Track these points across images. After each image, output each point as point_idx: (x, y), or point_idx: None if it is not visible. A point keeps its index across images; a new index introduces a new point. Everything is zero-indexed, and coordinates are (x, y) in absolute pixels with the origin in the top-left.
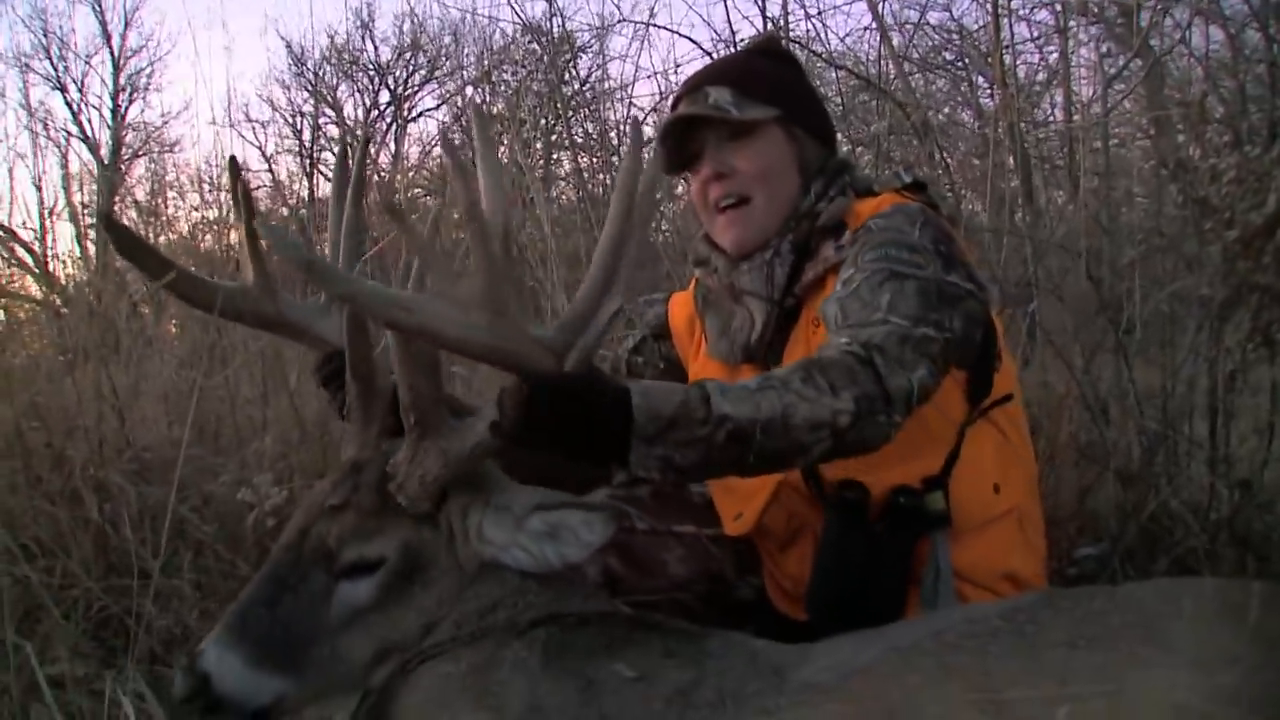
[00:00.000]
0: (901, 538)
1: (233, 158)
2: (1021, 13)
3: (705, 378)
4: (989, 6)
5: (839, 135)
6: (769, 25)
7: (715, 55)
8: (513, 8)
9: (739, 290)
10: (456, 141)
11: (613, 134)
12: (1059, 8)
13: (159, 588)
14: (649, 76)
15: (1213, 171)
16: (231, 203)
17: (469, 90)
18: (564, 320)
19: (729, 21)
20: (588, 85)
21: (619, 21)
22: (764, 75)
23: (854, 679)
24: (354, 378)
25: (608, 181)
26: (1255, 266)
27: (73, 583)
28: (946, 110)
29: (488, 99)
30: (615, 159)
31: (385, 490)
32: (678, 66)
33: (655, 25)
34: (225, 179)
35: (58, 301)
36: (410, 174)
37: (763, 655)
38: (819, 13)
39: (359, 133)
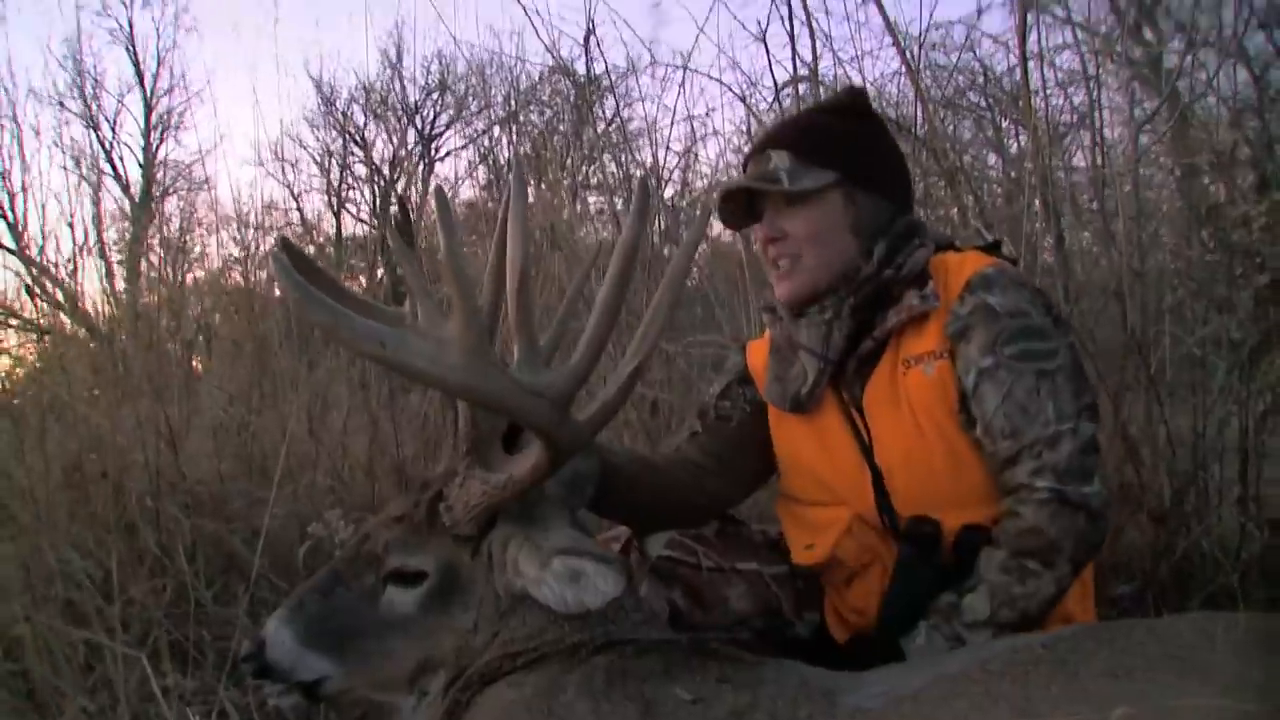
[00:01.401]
0: (969, 572)
1: (402, 200)
2: (1047, 55)
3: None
4: (1016, 51)
5: None
6: (798, 68)
7: (746, 99)
8: (550, 50)
9: (796, 343)
10: (482, 180)
11: (639, 175)
12: (1085, 52)
13: (214, 616)
14: (684, 120)
15: (1244, 217)
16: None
17: (495, 130)
18: (564, 368)
19: (770, 64)
20: (614, 125)
21: (650, 64)
22: (828, 136)
23: (903, 704)
24: (453, 404)
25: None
26: None
27: (139, 609)
28: (971, 153)
29: (514, 139)
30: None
31: (436, 509)
32: (709, 111)
33: (689, 69)
34: (254, 217)
35: (84, 335)
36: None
37: (815, 681)
38: (852, 59)
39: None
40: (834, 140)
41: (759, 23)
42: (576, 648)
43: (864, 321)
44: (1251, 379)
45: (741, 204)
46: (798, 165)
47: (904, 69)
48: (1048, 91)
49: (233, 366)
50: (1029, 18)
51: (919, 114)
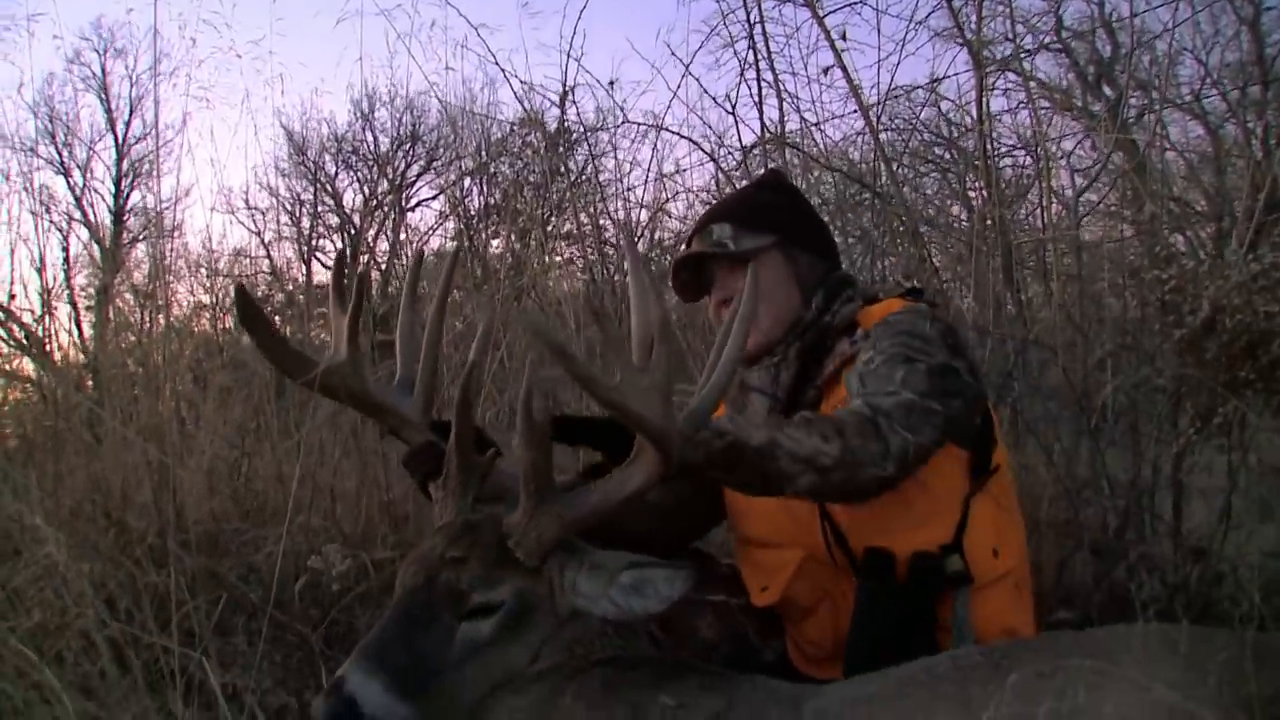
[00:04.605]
0: (926, 595)
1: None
2: (1004, 118)
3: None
4: (974, 113)
5: (835, 231)
6: (765, 130)
7: (714, 156)
8: (521, 103)
9: (747, 386)
10: (452, 231)
11: (608, 227)
12: (1041, 110)
13: (218, 648)
14: (656, 179)
15: (1157, 279)
16: (333, 286)
17: (466, 181)
18: (695, 409)
19: (736, 124)
20: (584, 179)
21: (622, 123)
22: (762, 207)
23: (859, 706)
24: (457, 450)
25: (605, 273)
26: (1198, 362)
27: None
28: (936, 204)
29: (485, 190)
30: (610, 250)
31: (504, 546)
32: (679, 170)
33: (661, 128)
34: (223, 264)
35: (51, 382)
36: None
37: (782, 689)
38: (816, 124)
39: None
40: (767, 208)
41: (729, 94)
42: (588, 662)
43: (807, 366)
44: (1175, 423)
45: (691, 277)
46: (739, 232)
47: (868, 130)
48: (999, 154)
49: (225, 411)
50: (987, 80)
51: (882, 173)
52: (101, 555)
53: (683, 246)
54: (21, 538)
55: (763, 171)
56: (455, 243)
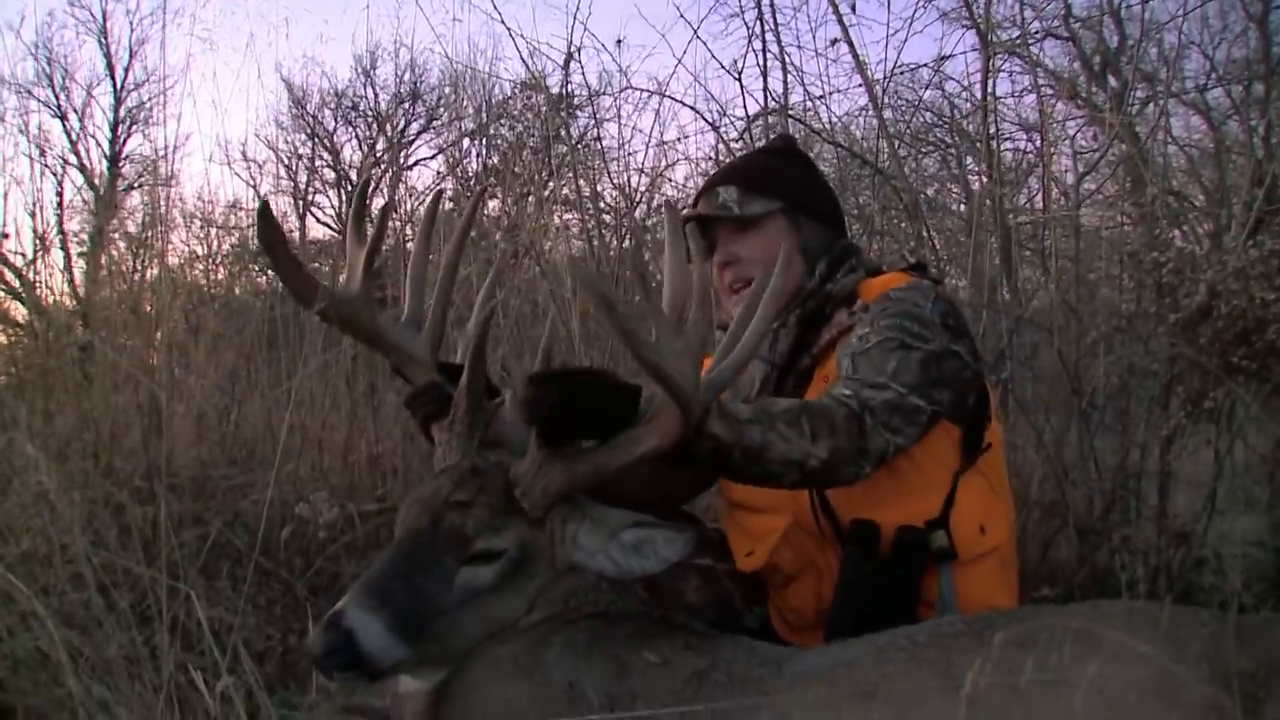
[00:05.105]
0: (909, 569)
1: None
2: (1008, 101)
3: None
4: (978, 94)
5: None
6: (769, 101)
7: (716, 125)
8: (526, 64)
9: None
10: (449, 192)
11: (606, 193)
12: (1045, 96)
13: (203, 589)
14: (657, 145)
15: (1155, 263)
16: (352, 218)
17: (465, 142)
18: (713, 379)
19: (742, 93)
20: (584, 144)
21: (625, 89)
22: (770, 172)
23: (839, 669)
24: (468, 394)
25: (602, 238)
26: (1192, 346)
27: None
28: (935, 187)
29: (484, 152)
30: (608, 217)
31: (509, 493)
32: (681, 137)
33: (664, 95)
34: (218, 215)
35: (43, 326)
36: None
37: (764, 651)
38: (820, 97)
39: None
40: (775, 174)
41: (735, 61)
42: (578, 615)
43: (805, 334)
44: (1167, 407)
45: (696, 239)
46: (745, 196)
47: (871, 106)
48: (1002, 137)
49: (216, 358)
50: (992, 63)
51: (883, 149)
52: (92, 487)
53: (692, 206)
54: (11, 466)
55: (774, 136)
56: (460, 198)
